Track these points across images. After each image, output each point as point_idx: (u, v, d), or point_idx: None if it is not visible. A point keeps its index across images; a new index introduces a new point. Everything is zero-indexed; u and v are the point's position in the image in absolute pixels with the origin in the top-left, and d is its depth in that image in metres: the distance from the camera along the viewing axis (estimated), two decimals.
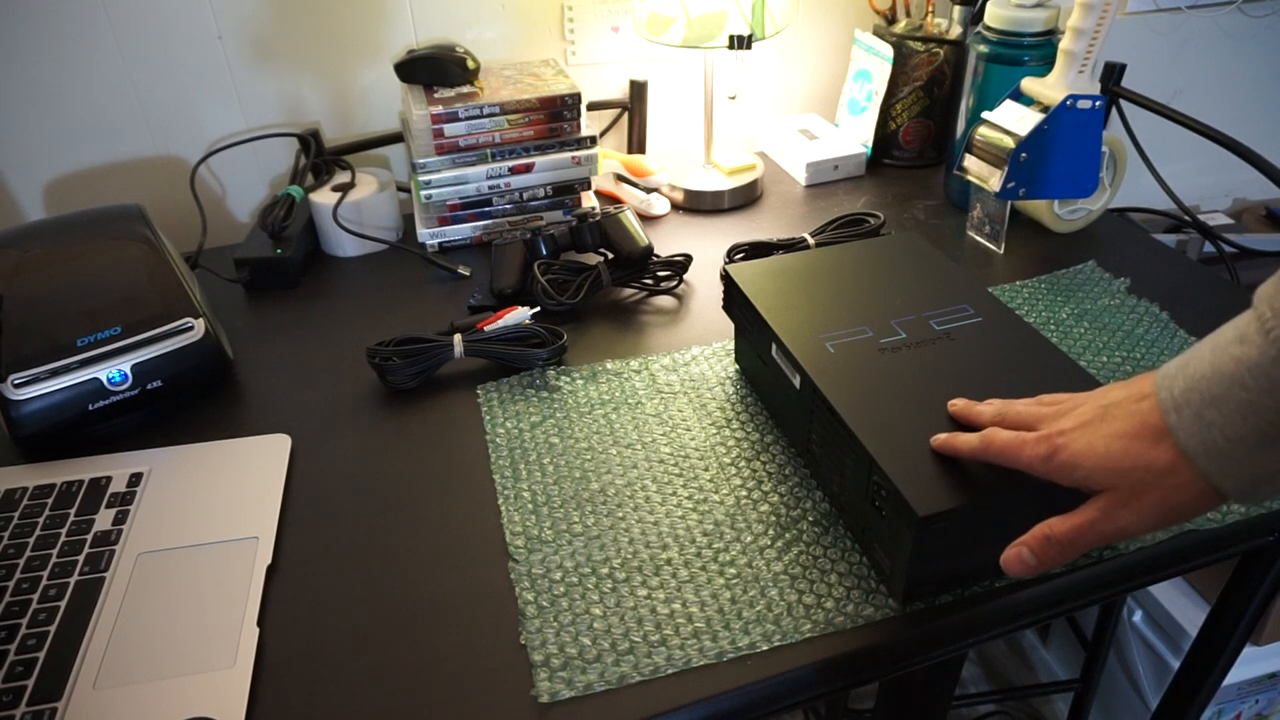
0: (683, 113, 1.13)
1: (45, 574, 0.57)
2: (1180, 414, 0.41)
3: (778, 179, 1.08)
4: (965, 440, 0.50)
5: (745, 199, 1.02)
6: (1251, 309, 0.40)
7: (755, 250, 0.84)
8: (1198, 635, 0.81)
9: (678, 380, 0.73)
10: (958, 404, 0.54)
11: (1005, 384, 0.56)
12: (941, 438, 0.52)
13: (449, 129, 0.88)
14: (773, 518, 0.60)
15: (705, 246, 0.93)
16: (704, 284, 0.87)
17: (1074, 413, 0.47)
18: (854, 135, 1.09)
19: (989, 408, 0.52)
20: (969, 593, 0.54)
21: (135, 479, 0.65)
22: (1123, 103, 1.00)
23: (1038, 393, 0.53)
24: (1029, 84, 0.83)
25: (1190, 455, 0.41)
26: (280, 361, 0.78)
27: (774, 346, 0.63)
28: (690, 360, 0.75)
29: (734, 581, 0.55)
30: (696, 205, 1.01)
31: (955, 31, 1.01)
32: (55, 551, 0.59)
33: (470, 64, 0.92)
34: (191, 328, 0.71)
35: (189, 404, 0.73)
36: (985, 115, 0.84)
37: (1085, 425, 0.45)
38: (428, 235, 0.93)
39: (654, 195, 1.01)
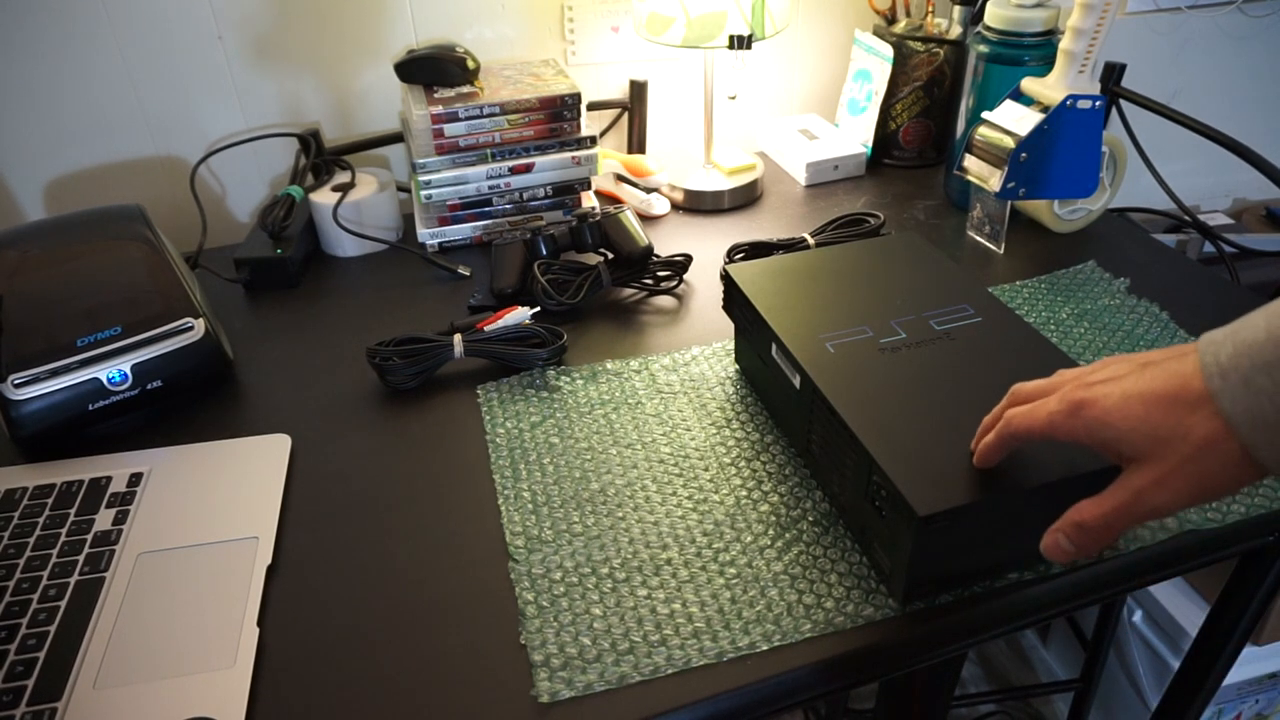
0: (683, 113, 1.13)
1: (45, 574, 0.57)
2: (1226, 379, 0.38)
3: (778, 179, 1.08)
4: (987, 441, 0.48)
5: (745, 199, 1.02)
6: None
7: (755, 250, 0.84)
8: (1198, 635, 0.81)
9: (678, 380, 0.73)
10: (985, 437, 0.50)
11: (1005, 384, 0.56)
12: (976, 455, 0.49)
13: (449, 129, 0.88)
14: (773, 518, 0.60)
15: (705, 246, 0.93)
16: (704, 284, 0.87)
17: (1102, 370, 0.44)
18: (854, 135, 1.09)
19: (1000, 406, 0.50)
20: (969, 593, 0.54)
21: (135, 479, 0.65)
22: (1123, 103, 1.00)
23: None
24: (1029, 84, 0.83)
25: (1234, 424, 0.38)
26: (280, 361, 0.78)
27: (774, 346, 0.63)
28: (690, 360, 0.75)
29: (734, 581, 0.55)
30: (696, 205, 1.01)
31: (955, 31, 1.01)
32: (55, 551, 0.59)
33: (470, 64, 0.92)
34: (191, 328, 0.71)
35: (189, 404, 0.73)
36: (985, 115, 0.84)
37: (1117, 379, 0.42)
38: (428, 235, 0.93)
39: (654, 195, 1.01)
